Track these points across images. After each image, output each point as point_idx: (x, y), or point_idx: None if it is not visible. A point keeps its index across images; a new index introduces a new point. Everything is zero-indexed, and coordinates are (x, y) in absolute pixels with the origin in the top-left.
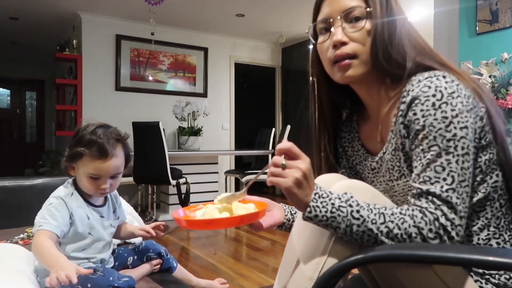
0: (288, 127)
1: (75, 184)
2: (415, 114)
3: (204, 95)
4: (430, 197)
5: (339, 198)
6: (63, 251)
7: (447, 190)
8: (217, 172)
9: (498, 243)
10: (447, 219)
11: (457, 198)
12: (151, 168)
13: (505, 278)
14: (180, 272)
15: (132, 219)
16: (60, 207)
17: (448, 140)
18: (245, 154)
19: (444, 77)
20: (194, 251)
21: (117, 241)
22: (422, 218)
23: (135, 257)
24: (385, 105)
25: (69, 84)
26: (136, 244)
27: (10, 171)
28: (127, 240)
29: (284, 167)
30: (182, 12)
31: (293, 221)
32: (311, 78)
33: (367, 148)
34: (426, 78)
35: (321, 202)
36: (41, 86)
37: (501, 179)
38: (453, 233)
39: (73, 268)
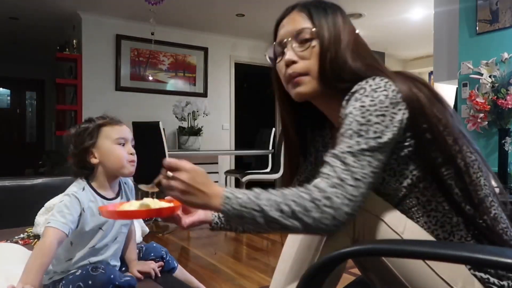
0: None
1: (87, 181)
2: (344, 109)
3: (204, 95)
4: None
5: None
6: (74, 252)
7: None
8: (217, 172)
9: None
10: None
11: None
12: (151, 168)
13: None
14: (181, 272)
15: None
16: (71, 204)
17: (361, 124)
18: (245, 154)
19: (374, 79)
20: (194, 251)
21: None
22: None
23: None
24: None
25: (69, 84)
26: (137, 247)
27: (10, 171)
28: None
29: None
30: (182, 12)
31: (224, 220)
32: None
33: None
34: (362, 82)
35: (230, 201)
36: (41, 86)
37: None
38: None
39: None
